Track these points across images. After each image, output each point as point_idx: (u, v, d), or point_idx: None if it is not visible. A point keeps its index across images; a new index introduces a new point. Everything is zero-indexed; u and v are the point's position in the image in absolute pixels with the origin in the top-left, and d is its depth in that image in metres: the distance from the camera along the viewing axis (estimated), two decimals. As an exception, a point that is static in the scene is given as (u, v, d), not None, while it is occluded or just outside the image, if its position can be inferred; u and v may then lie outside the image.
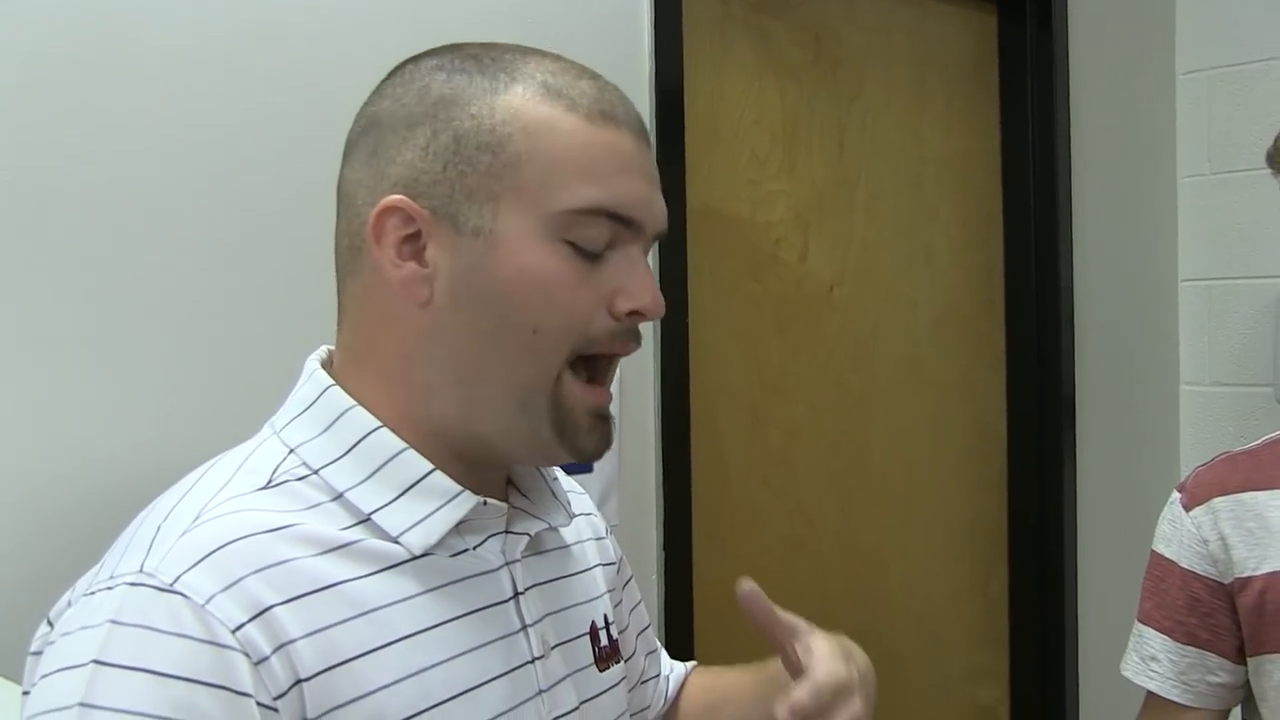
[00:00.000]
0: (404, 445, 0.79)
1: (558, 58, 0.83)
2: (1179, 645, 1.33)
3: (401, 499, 0.79)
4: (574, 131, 0.79)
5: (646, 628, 1.08)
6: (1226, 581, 1.30)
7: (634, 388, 1.74)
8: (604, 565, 1.00)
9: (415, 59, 0.84)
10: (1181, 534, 1.34)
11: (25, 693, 0.73)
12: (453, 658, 0.78)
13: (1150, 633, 1.36)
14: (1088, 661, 2.44)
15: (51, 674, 0.69)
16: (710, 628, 1.87)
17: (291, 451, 0.80)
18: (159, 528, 0.73)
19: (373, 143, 0.81)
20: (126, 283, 1.27)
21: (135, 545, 0.73)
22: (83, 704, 0.66)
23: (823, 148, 2.15)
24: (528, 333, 0.78)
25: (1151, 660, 1.35)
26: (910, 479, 2.31)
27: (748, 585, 0.84)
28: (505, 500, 0.85)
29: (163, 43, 1.29)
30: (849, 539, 2.20)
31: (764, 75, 2.06)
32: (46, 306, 1.22)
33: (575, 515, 0.94)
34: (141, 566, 0.70)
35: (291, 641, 0.71)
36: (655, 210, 0.83)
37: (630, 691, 1.02)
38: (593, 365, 0.82)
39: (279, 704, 0.69)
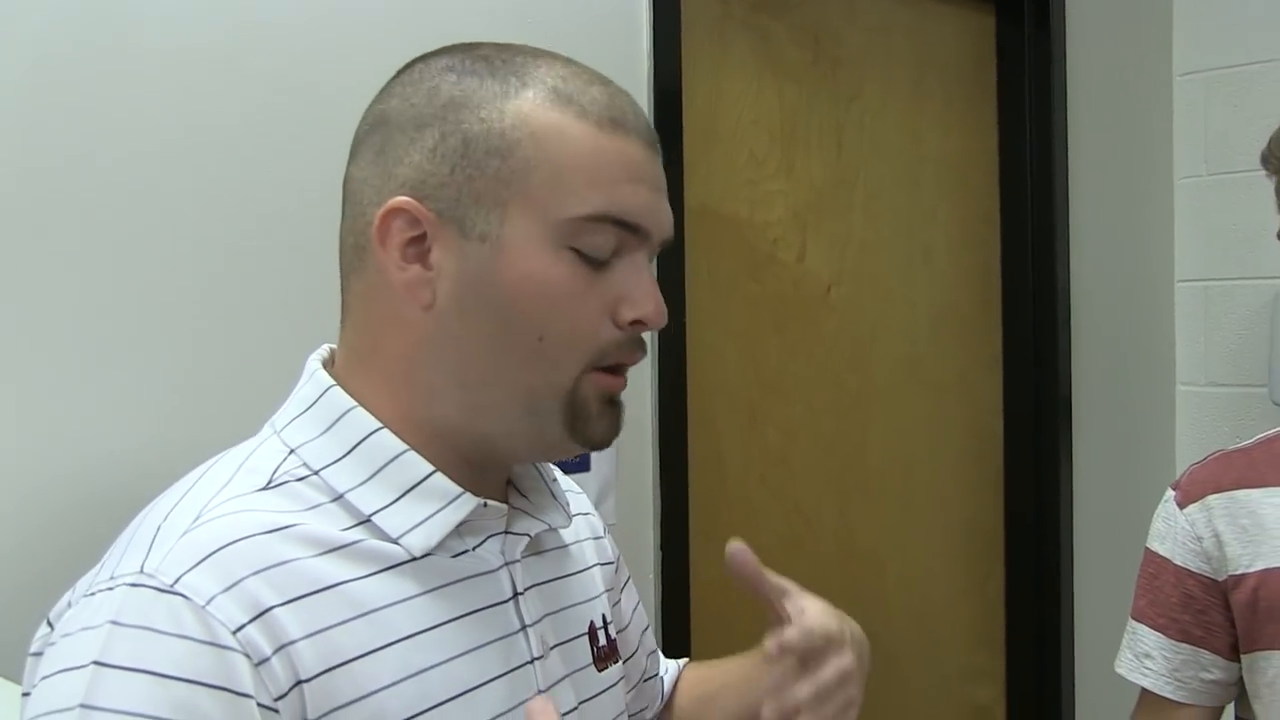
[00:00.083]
0: (405, 447, 0.79)
1: (569, 61, 0.82)
2: (1173, 642, 1.34)
3: (402, 500, 0.78)
4: (583, 139, 0.78)
5: (647, 628, 1.09)
6: (1220, 579, 1.31)
7: (631, 387, 1.72)
8: (602, 565, 1.00)
9: (426, 58, 0.83)
10: (1175, 531, 1.34)
11: (25, 694, 0.73)
12: (452, 658, 0.78)
13: (1144, 630, 1.36)
14: (1084, 661, 2.45)
15: (52, 675, 0.68)
16: (707, 627, 1.87)
17: (292, 452, 0.80)
18: (159, 528, 0.73)
19: (380, 141, 0.81)
20: (127, 283, 1.27)
21: (135, 545, 0.73)
22: (84, 705, 0.66)
23: (821, 148, 2.15)
24: (534, 339, 0.78)
25: (1145, 657, 1.36)
26: (908, 479, 2.31)
27: (736, 543, 0.83)
28: (505, 501, 0.85)
29: (163, 45, 1.29)
30: (846, 539, 2.20)
31: (763, 75, 2.06)
32: (47, 307, 1.22)
33: (574, 515, 0.94)
34: (142, 567, 0.70)
35: (292, 642, 0.71)
36: (662, 218, 0.83)
37: (633, 691, 1.03)
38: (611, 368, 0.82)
39: (279, 705, 0.69)
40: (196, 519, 0.73)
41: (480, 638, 0.80)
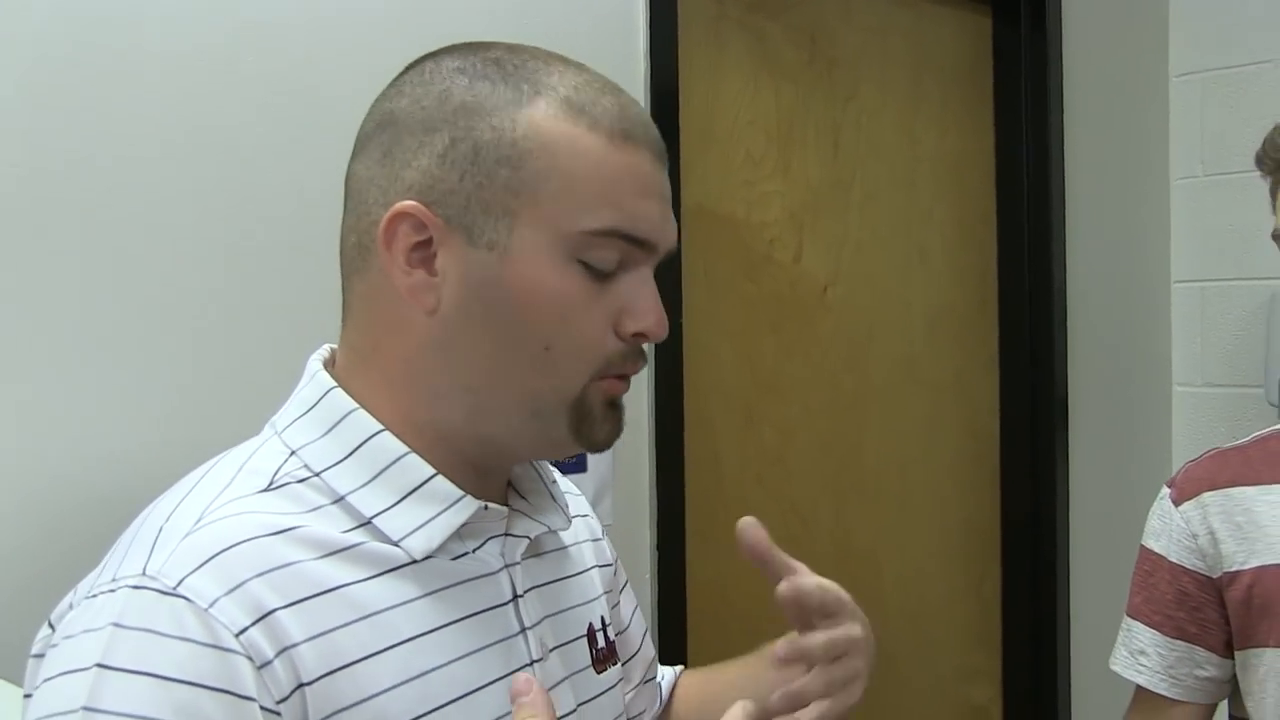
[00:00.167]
0: (406, 449, 0.79)
1: (581, 68, 0.82)
2: (1168, 639, 1.34)
3: (403, 503, 0.78)
4: (595, 151, 0.78)
5: (646, 630, 1.09)
6: (1215, 576, 1.31)
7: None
8: (601, 567, 1.00)
9: (435, 56, 0.82)
10: (1171, 529, 1.35)
11: (27, 696, 0.73)
12: (453, 661, 0.78)
13: (1139, 627, 1.37)
14: (1080, 661, 2.45)
15: (54, 677, 0.68)
16: (703, 627, 1.87)
17: (293, 453, 0.79)
18: (160, 529, 0.73)
19: (387, 141, 0.80)
20: (127, 283, 1.27)
21: (137, 547, 0.73)
22: (86, 708, 0.66)
23: (817, 148, 2.16)
24: (540, 349, 0.78)
25: (1140, 655, 1.36)
26: (904, 479, 2.31)
27: (748, 519, 0.85)
28: (504, 503, 0.85)
29: (163, 46, 1.29)
30: (843, 539, 2.20)
31: (759, 75, 2.06)
32: (48, 307, 1.22)
33: (573, 517, 0.94)
34: (144, 569, 0.70)
35: (294, 645, 0.71)
36: (668, 231, 0.82)
37: (633, 692, 1.03)
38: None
39: (281, 708, 0.69)
40: (199, 521, 0.73)
41: (481, 640, 0.80)
